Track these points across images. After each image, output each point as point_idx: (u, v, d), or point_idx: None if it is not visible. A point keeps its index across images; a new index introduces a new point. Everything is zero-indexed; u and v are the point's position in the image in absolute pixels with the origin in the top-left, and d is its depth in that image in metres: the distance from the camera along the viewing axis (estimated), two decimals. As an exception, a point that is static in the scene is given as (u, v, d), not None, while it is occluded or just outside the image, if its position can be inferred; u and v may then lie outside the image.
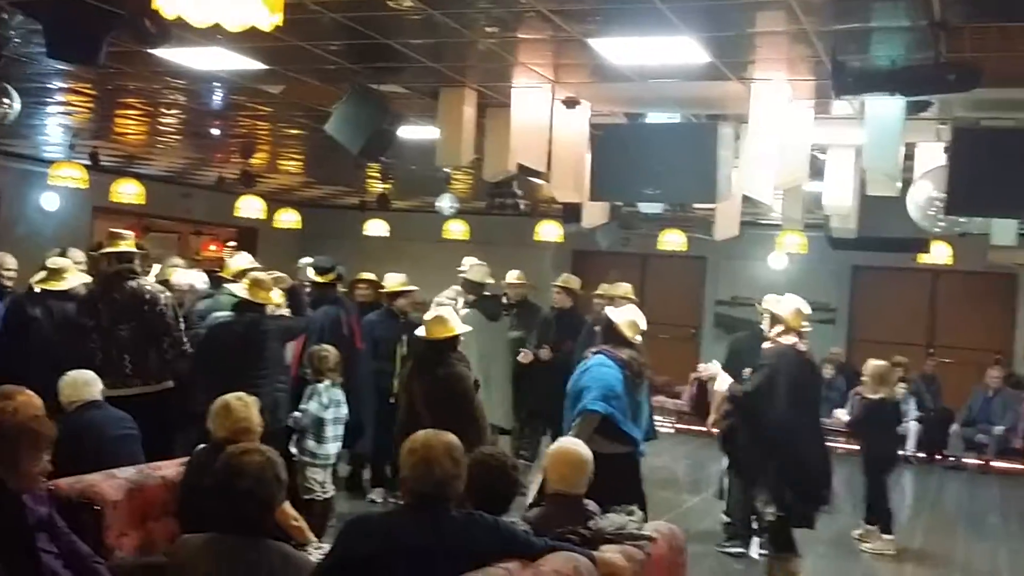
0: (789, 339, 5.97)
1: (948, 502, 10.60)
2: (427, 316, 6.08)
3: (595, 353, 5.62)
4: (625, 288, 8.15)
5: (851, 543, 7.77)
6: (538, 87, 7.27)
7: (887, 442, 8.23)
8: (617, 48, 6.25)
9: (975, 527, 9.25)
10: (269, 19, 3.58)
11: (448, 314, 6.08)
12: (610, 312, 5.81)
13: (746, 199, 8.26)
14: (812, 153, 8.36)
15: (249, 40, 5.15)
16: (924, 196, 7.84)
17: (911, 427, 12.16)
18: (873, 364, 8.39)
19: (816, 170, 8.75)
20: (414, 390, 5.91)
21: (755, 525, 6.67)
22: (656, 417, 13.77)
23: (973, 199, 6.96)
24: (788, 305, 6.14)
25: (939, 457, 12.55)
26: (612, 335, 5.65)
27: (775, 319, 6.07)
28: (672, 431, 13.69)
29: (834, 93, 5.81)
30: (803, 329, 6.08)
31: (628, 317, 5.71)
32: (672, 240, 14.20)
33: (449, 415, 4.96)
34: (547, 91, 7.34)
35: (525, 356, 8.29)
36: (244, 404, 4.56)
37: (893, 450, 8.49)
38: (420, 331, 6.03)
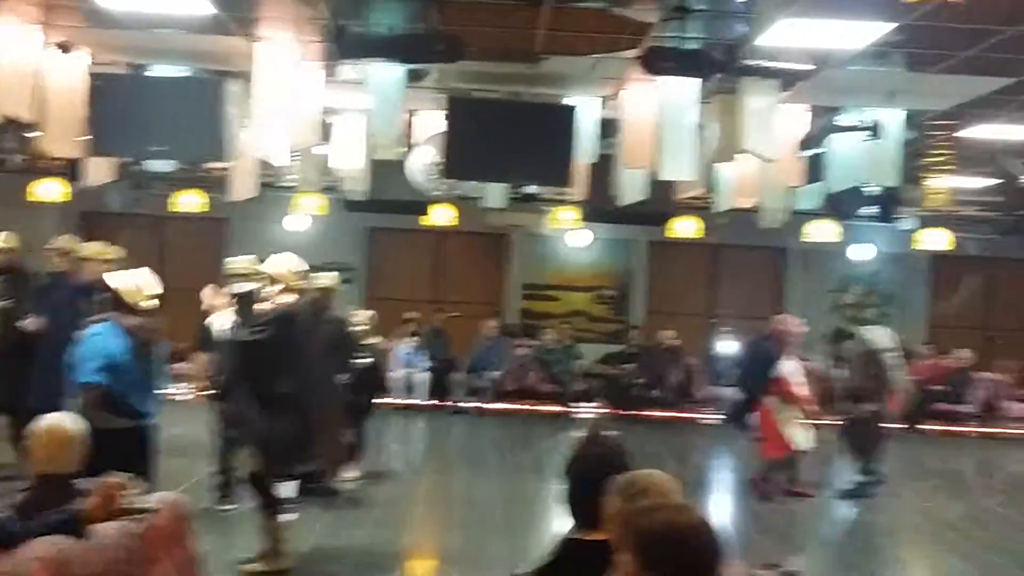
0: (288, 297, 5.96)
1: (453, 443, 11.52)
2: None
3: (97, 321, 5.26)
4: (94, 248, 7.23)
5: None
6: (25, 28, 6.60)
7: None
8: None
9: (476, 464, 10.16)
10: None
11: None
12: (109, 278, 5.46)
13: (262, 159, 8.23)
14: (324, 116, 8.56)
15: None
16: (424, 161, 8.40)
17: (422, 377, 13.01)
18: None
19: (327, 133, 8.97)
20: None
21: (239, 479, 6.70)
22: (179, 384, 13.37)
23: (467, 164, 7.59)
24: (283, 264, 6.06)
25: (446, 403, 13.59)
26: (116, 302, 5.32)
27: (273, 279, 6.02)
28: (192, 397, 13.30)
29: (336, 56, 5.96)
30: (300, 285, 6.10)
31: (131, 283, 5.40)
32: (190, 201, 13.71)
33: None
34: (36, 33, 6.69)
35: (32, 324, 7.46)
36: None
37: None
38: None
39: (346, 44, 5.66)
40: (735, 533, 7.75)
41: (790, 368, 8.62)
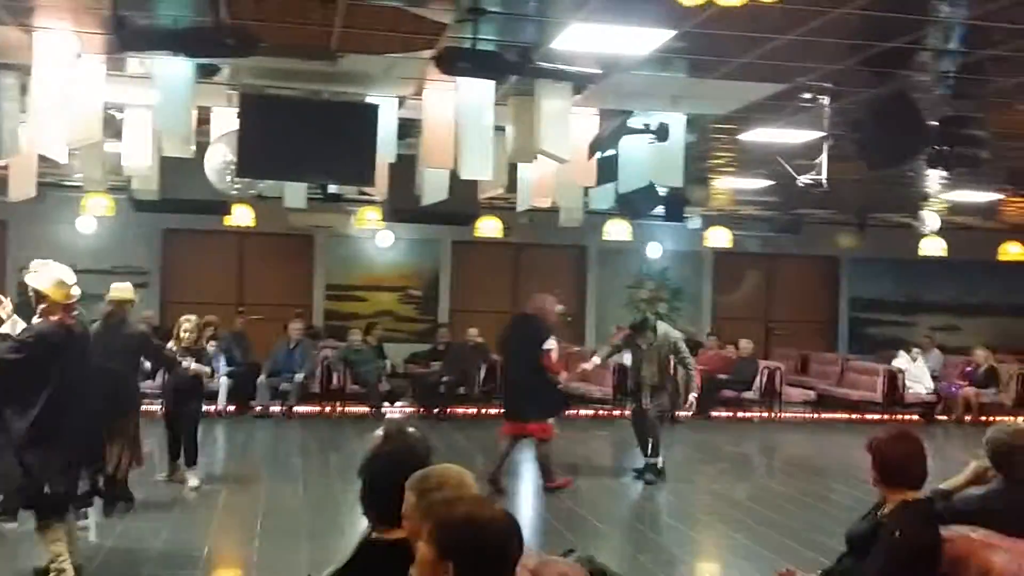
0: (54, 317, 5.44)
1: (256, 448, 11.25)
2: None
3: None
4: None
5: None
6: None
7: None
8: None
9: (280, 468, 9.97)
10: None
11: None
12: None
13: (45, 157, 7.77)
14: (111, 112, 8.16)
15: None
16: (219, 159, 8.14)
17: (222, 382, 12.62)
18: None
19: (117, 130, 8.56)
20: None
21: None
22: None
23: (262, 163, 7.43)
24: (48, 278, 5.51)
25: (249, 408, 13.25)
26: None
27: (38, 295, 5.49)
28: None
29: (117, 48, 5.70)
30: (70, 301, 5.55)
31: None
32: (-40, 201, 12.73)
33: None
34: None
35: None
36: None
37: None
38: None
39: (128, 36, 5.42)
40: (534, 522, 7.99)
41: (552, 344, 8.98)
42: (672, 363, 9.91)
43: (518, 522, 2.42)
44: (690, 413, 12.60)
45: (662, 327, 9.85)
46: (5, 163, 8.22)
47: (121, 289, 7.72)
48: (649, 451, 9.70)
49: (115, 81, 7.43)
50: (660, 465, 9.74)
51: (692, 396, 10.09)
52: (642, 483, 9.60)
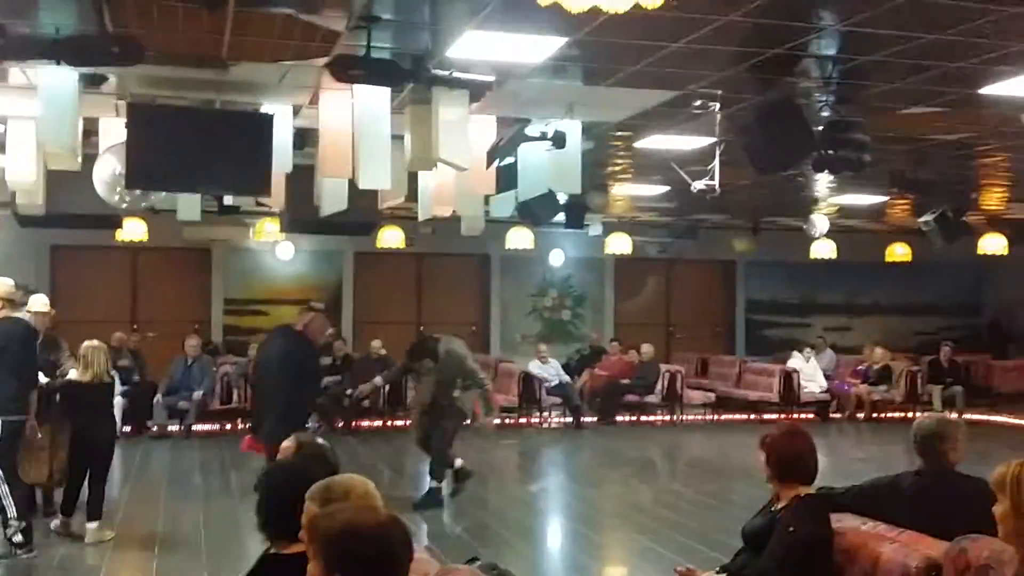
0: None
1: (155, 469, 10.93)
2: None
3: None
4: None
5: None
6: None
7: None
8: None
9: (179, 489, 9.70)
10: None
11: None
12: None
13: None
14: (-9, 123, 7.87)
15: None
16: (109, 171, 7.91)
17: (117, 402, 12.20)
18: (87, 345, 8.03)
19: (0, 143, 8.25)
20: None
21: None
22: None
23: (152, 174, 7.24)
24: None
25: (145, 428, 12.87)
26: None
27: None
28: None
29: (-2, 57, 5.50)
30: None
31: None
32: None
33: None
34: None
35: None
36: None
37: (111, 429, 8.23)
38: None
39: (7, 44, 5.22)
40: (438, 531, 7.94)
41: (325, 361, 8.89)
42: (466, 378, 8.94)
43: (406, 526, 2.39)
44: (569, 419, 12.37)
45: (446, 346, 8.94)
46: None
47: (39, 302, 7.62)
48: (439, 468, 8.88)
49: (-4, 91, 7.18)
50: (444, 491, 8.85)
51: (489, 419, 9.39)
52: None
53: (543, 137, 7.71)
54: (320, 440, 3.84)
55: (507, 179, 8.55)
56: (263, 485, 3.28)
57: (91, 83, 6.89)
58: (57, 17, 5.61)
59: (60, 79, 6.44)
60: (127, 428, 12.52)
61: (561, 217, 11.54)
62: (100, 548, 7.08)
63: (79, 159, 7.15)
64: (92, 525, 7.19)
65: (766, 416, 14.74)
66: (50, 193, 8.84)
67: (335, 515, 2.42)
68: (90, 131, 8.13)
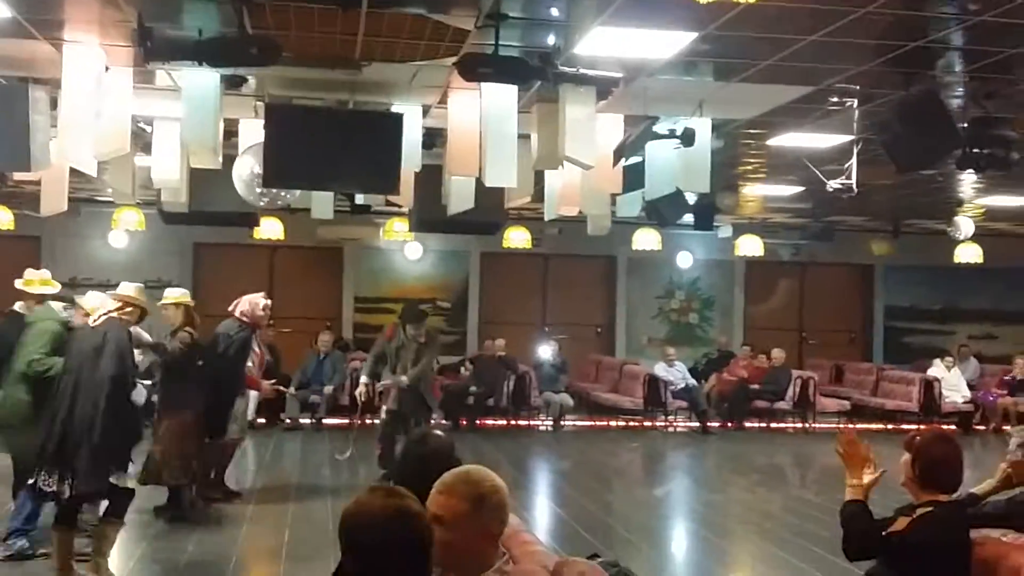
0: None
1: (287, 460, 11.26)
2: None
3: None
4: None
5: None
6: None
7: None
8: None
9: (309, 480, 9.97)
10: None
11: None
12: None
13: (76, 172, 7.87)
14: (140, 125, 8.26)
15: None
16: (247, 170, 8.20)
17: (253, 394, 12.62)
18: None
19: (146, 143, 8.65)
20: None
21: None
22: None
23: (288, 173, 7.46)
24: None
25: (279, 420, 13.29)
26: None
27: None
28: None
29: (143, 60, 5.76)
30: None
31: None
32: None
33: None
34: None
35: None
36: None
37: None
38: None
39: (154, 47, 5.46)
40: (559, 528, 7.91)
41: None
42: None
43: (406, 519, 2.40)
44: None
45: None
46: (37, 177, 8.33)
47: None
48: None
49: (144, 94, 7.51)
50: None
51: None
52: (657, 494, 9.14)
53: (672, 135, 7.59)
54: (438, 432, 3.89)
55: (634, 178, 8.46)
56: (396, 476, 3.32)
57: (231, 85, 7.15)
58: (200, 19, 5.83)
59: (203, 80, 6.70)
60: (261, 420, 12.96)
61: (689, 218, 11.36)
62: (230, 543, 7.30)
63: (220, 158, 7.42)
64: None
65: (904, 426, 14.17)
66: (193, 191, 9.22)
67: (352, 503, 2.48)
68: (230, 132, 8.45)
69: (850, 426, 14.59)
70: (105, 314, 5.98)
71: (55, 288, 7.20)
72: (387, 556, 2.36)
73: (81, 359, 5.79)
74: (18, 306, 7.12)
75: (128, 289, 6.34)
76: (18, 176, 9.72)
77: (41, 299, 6.97)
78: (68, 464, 5.61)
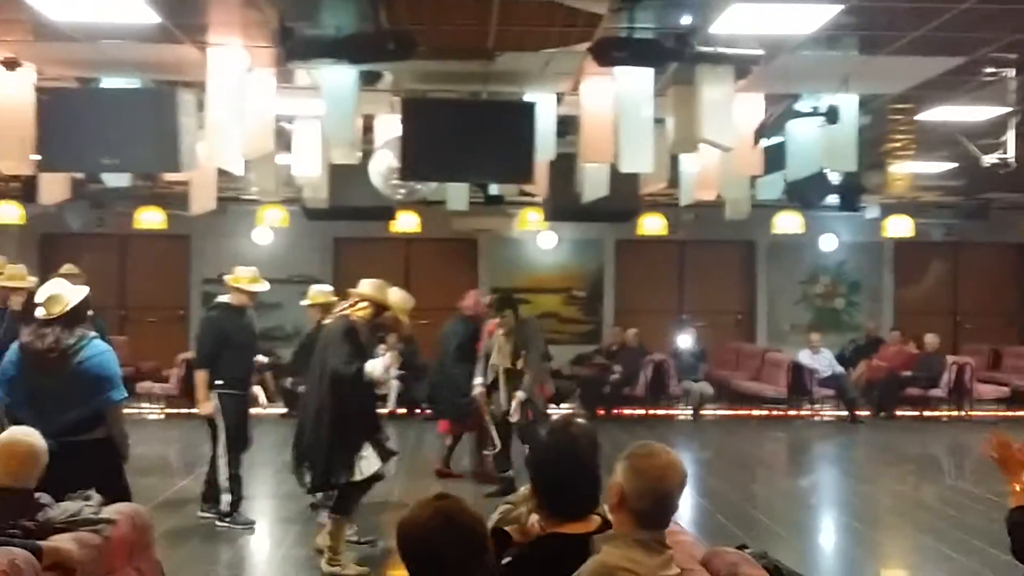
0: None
1: (427, 449, 11.43)
2: None
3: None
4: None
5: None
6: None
7: None
8: (56, 4, 5.79)
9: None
10: None
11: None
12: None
13: (222, 172, 8.16)
14: (281, 124, 8.50)
15: None
16: (385, 165, 8.34)
17: (393, 385, 12.89)
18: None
19: (287, 141, 8.90)
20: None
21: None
22: (144, 404, 13.21)
23: (425, 165, 7.55)
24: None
25: (419, 411, 13.49)
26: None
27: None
28: (162, 417, 13.19)
29: (284, 59, 5.90)
30: None
31: (41, 297, 5.27)
32: (151, 219, 13.58)
33: None
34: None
35: None
36: None
37: None
38: None
39: (294, 46, 5.60)
40: (704, 520, 7.75)
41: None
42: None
43: (451, 515, 2.41)
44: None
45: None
46: (186, 178, 8.68)
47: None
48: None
49: (284, 93, 7.72)
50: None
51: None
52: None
53: (815, 112, 7.33)
54: (579, 420, 3.83)
55: (775, 159, 8.21)
56: (537, 464, 3.27)
57: (368, 81, 7.27)
58: (337, 17, 5.94)
59: (341, 77, 6.83)
60: (402, 410, 13.20)
61: (834, 199, 10.95)
62: (384, 526, 7.43)
63: (359, 153, 7.56)
64: None
65: (1069, 413, 13.36)
66: (333, 187, 9.44)
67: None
68: (367, 127, 8.61)
69: (1001, 414, 13.85)
70: (340, 311, 6.21)
71: (264, 286, 7.52)
72: (438, 561, 2.41)
73: (315, 356, 6.17)
74: (224, 299, 7.45)
75: (363, 287, 6.28)
76: (168, 177, 10.17)
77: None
78: (306, 456, 6.08)
